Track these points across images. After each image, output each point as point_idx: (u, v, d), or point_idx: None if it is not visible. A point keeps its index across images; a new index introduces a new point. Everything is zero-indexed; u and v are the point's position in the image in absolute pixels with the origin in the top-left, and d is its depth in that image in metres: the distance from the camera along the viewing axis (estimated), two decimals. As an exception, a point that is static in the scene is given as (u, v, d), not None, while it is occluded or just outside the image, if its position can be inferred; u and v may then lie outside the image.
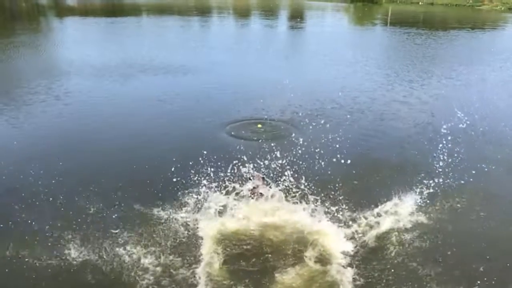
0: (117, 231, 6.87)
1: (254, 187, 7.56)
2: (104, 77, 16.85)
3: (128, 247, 6.49)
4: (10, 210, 7.48)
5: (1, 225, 7.07)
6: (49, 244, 6.56)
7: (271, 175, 8.16)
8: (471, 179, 8.67)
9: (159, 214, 7.39)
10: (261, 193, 7.51)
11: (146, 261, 6.21)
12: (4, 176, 8.72)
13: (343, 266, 6.19)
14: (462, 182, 8.47)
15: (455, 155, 8.95)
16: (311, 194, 7.64)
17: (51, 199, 7.77)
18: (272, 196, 7.50)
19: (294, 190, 7.80)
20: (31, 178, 8.54)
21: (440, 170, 8.45)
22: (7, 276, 6.01)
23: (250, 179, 7.77)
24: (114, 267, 6.09)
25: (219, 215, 7.25)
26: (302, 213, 7.31)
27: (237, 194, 7.59)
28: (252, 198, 7.47)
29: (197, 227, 7.02)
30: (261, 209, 7.32)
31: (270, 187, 7.74)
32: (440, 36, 32.91)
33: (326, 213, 7.35)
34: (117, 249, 6.45)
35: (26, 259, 6.26)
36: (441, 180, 8.24)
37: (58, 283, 5.90)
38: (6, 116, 12.20)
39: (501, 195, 8.50)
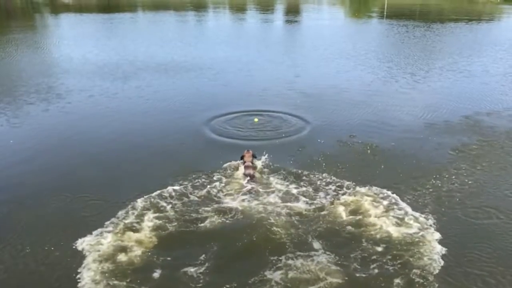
0: (120, 223, 6.65)
1: (248, 173, 7.96)
2: (105, 75, 16.62)
3: (128, 242, 6.32)
4: (8, 207, 7.38)
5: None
6: (49, 240, 6.38)
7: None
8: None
9: (173, 196, 7.37)
10: (252, 175, 7.93)
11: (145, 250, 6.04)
12: (3, 174, 8.57)
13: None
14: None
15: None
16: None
17: (50, 195, 7.63)
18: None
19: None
20: (30, 176, 8.41)
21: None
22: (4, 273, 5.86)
23: (242, 157, 8.39)
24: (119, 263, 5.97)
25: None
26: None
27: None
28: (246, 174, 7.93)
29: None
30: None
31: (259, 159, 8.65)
32: (438, 28, 32.87)
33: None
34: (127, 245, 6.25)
35: (25, 254, 6.10)
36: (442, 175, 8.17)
37: (56, 277, 5.73)
38: (5, 115, 11.99)
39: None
